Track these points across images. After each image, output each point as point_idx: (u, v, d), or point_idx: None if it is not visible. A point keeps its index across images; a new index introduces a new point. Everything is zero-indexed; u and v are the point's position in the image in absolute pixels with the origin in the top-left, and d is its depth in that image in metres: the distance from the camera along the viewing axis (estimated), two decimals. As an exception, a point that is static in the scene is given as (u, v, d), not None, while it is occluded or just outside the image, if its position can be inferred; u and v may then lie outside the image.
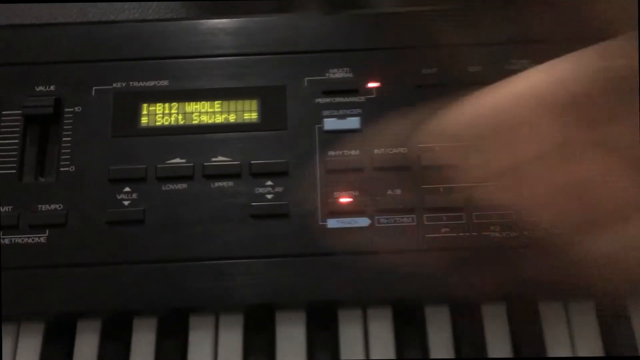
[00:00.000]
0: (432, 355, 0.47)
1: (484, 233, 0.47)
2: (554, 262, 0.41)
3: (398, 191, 0.48)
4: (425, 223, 0.47)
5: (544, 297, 0.48)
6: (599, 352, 0.46)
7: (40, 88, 0.50)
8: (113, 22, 0.55)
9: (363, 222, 0.47)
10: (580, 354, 0.47)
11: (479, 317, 0.48)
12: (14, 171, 0.48)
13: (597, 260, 0.38)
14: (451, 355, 0.47)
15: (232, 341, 0.47)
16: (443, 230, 0.47)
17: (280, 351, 0.47)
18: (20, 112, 0.50)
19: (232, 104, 0.50)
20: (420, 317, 0.48)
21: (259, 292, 0.46)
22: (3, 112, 0.50)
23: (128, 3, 0.62)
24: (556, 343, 0.47)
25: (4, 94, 0.50)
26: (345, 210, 0.47)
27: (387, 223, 0.47)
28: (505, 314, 0.48)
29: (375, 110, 0.50)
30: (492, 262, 0.46)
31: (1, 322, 0.47)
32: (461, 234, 0.47)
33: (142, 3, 0.63)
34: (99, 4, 0.63)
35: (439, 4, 0.58)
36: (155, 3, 0.61)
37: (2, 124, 0.50)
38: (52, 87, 0.50)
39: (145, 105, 0.50)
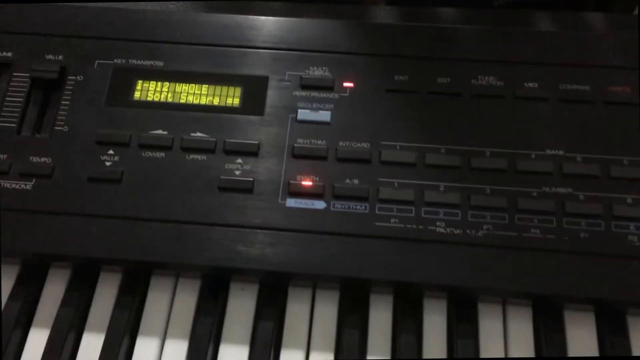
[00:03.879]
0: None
1: (430, 227, 0.50)
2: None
3: (356, 181, 0.51)
4: (377, 212, 0.50)
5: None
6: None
7: (50, 57, 0.56)
8: (121, 8, 0.60)
9: (319, 205, 0.51)
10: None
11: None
12: (14, 125, 0.54)
13: None
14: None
15: (186, 303, 0.51)
16: (392, 220, 0.50)
17: (229, 319, 0.50)
18: (28, 75, 0.55)
19: (218, 88, 0.55)
20: (366, 299, 0.51)
21: (215, 256, 0.49)
22: (14, 74, 0.55)
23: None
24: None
25: (17, 58, 0.56)
26: (304, 192, 0.51)
27: (342, 208, 0.50)
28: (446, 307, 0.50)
29: (346, 108, 0.54)
30: (433, 255, 0.49)
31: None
32: (408, 226, 0.50)
33: (163, 3, 0.68)
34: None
35: (424, 22, 0.62)
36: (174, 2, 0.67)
37: (11, 83, 0.55)
38: (60, 57, 0.56)
39: (140, 82, 0.55)
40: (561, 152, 0.51)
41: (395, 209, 0.50)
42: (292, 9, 0.68)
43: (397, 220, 0.50)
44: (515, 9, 0.87)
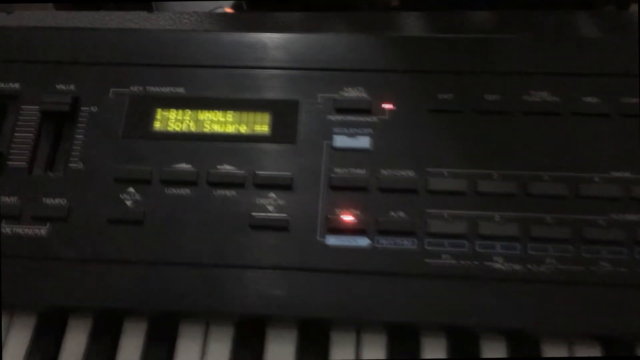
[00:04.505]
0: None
1: (486, 263, 0.45)
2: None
3: (401, 214, 0.46)
4: (427, 248, 0.45)
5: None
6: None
7: (61, 86, 0.51)
8: (136, 30, 0.56)
9: (363, 241, 0.46)
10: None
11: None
12: (25, 164, 0.49)
13: None
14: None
15: (220, 353, 0.46)
16: (444, 256, 0.45)
17: (269, 368, 0.46)
18: (38, 107, 0.51)
19: (245, 115, 0.50)
20: (417, 344, 0.46)
21: (248, 302, 0.45)
22: (22, 107, 0.51)
23: (163, 15, 0.64)
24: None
25: (25, 89, 0.51)
26: (345, 228, 0.46)
27: (387, 245, 0.46)
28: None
29: (386, 132, 0.49)
30: (491, 294, 0.44)
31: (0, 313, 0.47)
32: (462, 262, 0.45)
33: (176, 17, 0.64)
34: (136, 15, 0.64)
35: (461, 33, 0.57)
36: (187, 17, 0.62)
37: (20, 117, 0.51)
38: (71, 87, 0.51)
39: (159, 110, 0.51)
40: (628, 174, 0.46)
41: (446, 244, 0.45)
42: (311, 20, 0.63)
43: (449, 257, 0.45)
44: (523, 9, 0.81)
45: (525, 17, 0.63)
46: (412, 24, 0.63)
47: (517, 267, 0.45)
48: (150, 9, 1.05)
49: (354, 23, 0.64)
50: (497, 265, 0.45)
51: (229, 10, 0.99)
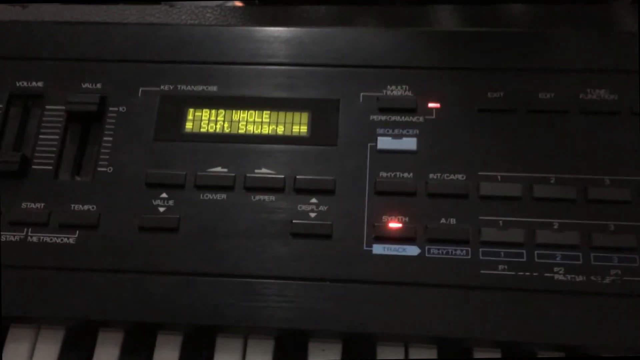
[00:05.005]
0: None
1: (546, 274, 0.42)
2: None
3: (453, 220, 0.44)
4: (481, 258, 0.43)
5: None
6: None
7: (87, 85, 0.49)
8: (166, 24, 0.53)
9: (412, 250, 0.43)
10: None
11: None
12: (51, 167, 0.47)
13: None
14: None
15: (259, 368, 0.44)
16: (500, 267, 0.42)
17: (311, 385, 0.43)
18: (63, 107, 0.48)
19: (282, 115, 0.47)
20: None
21: (291, 316, 0.42)
22: (47, 107, 0.48)
23: (184, 10, 0.61)
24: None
25: (49, 88, 0.49)
26: (393, 236, 0.43)
27: (439, 254, 0.43)
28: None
29: (434, 132, 0.46)
30: (551, 308, 0.41)
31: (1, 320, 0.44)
32: (520, 274, 0.42)
33: (198, 11, 0.61)
34: (157, 9, 0.61)
35: (498, 26, 0.54)
36: (211, 10, 0.59)
37: (44, 118, 0.48)
38: (98, 85, 0.49)
39: (191, 110, 0.48)
40: (695, 177, 0.43)
41: (502, 253, 0.43)
42: (338, 13, 0.60)
43: (505, 267, 0.42)
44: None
45: (565, 10, 0.60)
46: (446, 18, 0.60)
47: (579, 278, 0.42)
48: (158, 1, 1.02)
49: (383, 17, 0.61)
50: (558, 277, 0.42)
51: (238, 3, 0.96)
